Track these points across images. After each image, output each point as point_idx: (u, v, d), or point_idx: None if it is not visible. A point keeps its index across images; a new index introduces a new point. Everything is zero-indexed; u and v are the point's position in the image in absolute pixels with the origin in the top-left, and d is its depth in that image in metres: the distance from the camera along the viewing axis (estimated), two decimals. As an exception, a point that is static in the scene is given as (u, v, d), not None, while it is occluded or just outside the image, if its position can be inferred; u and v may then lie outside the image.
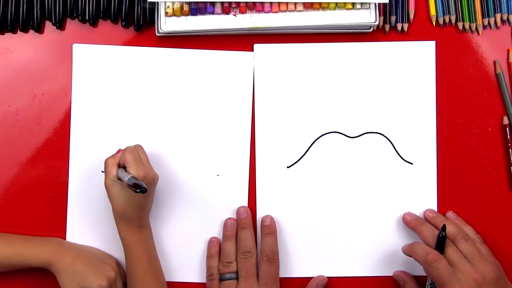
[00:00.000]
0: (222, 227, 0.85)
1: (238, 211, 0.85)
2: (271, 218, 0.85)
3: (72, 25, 0.86)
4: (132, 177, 0.74)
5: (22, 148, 0.86)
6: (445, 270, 0.76)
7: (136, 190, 0.73)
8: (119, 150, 0.81)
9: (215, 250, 0.84)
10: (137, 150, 0.80)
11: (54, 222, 0.85)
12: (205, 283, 0.85)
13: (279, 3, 0.83)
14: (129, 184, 0.73)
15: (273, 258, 0.82)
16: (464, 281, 0.75)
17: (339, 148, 0.86)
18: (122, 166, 0.79)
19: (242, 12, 0.84)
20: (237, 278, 0.82)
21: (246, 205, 0.86)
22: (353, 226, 0.86)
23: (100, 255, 0.84)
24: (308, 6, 0.84)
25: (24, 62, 0.86)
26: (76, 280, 0.80)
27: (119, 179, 0.78)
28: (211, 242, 0.85)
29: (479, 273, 0.76)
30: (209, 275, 0.83)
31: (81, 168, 0.85)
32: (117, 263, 0.85)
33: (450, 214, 0.85)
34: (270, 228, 0.84)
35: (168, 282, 0.84)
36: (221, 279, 0.82)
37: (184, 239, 0.85)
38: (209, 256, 0.84)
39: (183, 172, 0.86)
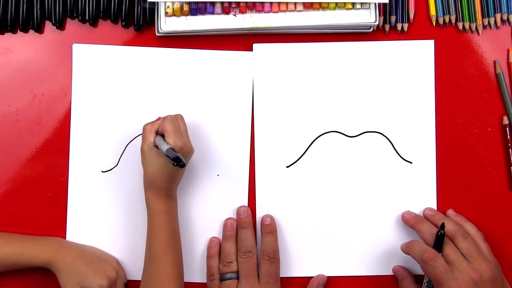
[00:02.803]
0: (222, 227, 0.85)
1: (238, 211, 0.85)
2: (271, 217, 0.85)
3: (72, 25, 0.87)
4: (170, 148, 0.74)
5: (22, 148, 0.86)
6: (441, 269, 0.76)
7: (174, 163, 0.72)
8: (158, 118, 0.81)
9: (215, 250, 0.84)
10: (177, 120, 0.80)
11: (54, 222, 0.85)
12: (205, 283, 0.85)
13: (279, 3, 0.83)
14: (168, 156, 0.73)
15: (274, 257, 0.82)
16: (461, 280, 0.75)
17: (338, 148, 0.86)
18: (160, 134, 0.79)
19: (242, 12, 0.84)
20: (237, 278, 0.82)
21: (246, 205, 0.86)
22: (353, 225, 0.86)
23: (100, 255, 0.84)
24: (308, 6, 0.84)
25: (24, 62, 0.86)
26: (77, 279, 0.80)
27: (156, 146, 0.78)
28: (211, 242, 0.85)
29: (476, 271, 0.76)
30: (210, 275, 0.84)
31: (81, 168, 0.86)
32: (118, 263, 0.85)
33: (450, 212, 0.85)
34: (270, 227, 0.84)
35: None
36: (222, 279, 0.82)
37: (184, 239, 0.85)
38: (209, 256, 0.85)
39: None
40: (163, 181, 0.79)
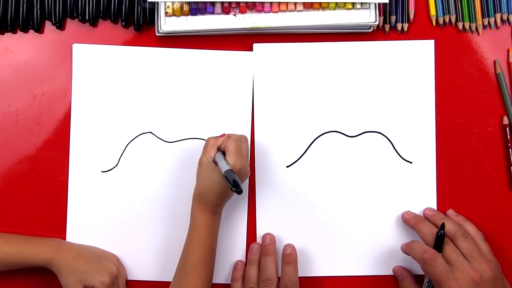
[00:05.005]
0: (248, 251, 0.86)
1: (264, 238, 0.85)
2: (292, 248, 0.85)
3: (72, 25, 0.87)
4: (230, 170, 0.74)
5: (22, 148, 0.86)
6: (442, 269, 0.76)
7: (232, 188, 0.72)
8: (223, 134, 0.81)
9: (240, 274, 0.85)
10: (241, 141, 0.80)
11: (54, 222, 0.85)
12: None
13: (279, 3, 0.83)
14: (226, 178, 0.73)
15: None
16: (461, 280, 0.75)
17: (338, 148, 0.86)
18: (222, 151, 0.79)
19: (242, 12, 0.84)
20: None
21: (246, 196, 0.86)
22: (353, 225, 0.86)
23: (100, 253, 0.85)
24: (308, 6, 0.84)
25: (24, 62, 0.86)
26: (78, 277, 0.80)
27: (215, 162, 0.78)
28: (236, 265, 0.85)
29: (477, 272, 0.76)
30: None
31: (81, 168, 0.86)
32: (118, 260, 0.85)
33: (450, 211, 0.85)
34: (290, 257, 0.84)
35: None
36: None
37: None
38: (233, 280, 0.85)
39: (184, 172, 0.86)
40: (212, 197, 0.78)
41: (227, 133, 0.81)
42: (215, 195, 0.78)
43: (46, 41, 0.86)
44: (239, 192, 0.72)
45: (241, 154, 0.78)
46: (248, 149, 0.81)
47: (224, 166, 0.75)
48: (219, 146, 0.79)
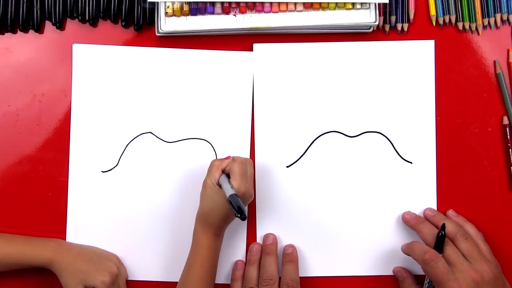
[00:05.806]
0: (248, 251, 0.86)
1: (266, 238, 0.85)
2: (294, 247, 0.85)
3: (72, 25, 0.87)
4: (234, 194, 0.73)
5: (22, 148, 0.86)
6: (442, 270, 0.76)
7: (236, 214, 0.71)
8: (228, 157, 0.81)
9: (240, 274, 0.85)
10: (246, 164, 0.79)
11: (54, 222, 0.85)
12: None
13: (279, 3, 0.83)
14: (230, 203, 0.72)
15: (292, 286, 0.82)
16: (462, 280, 0.75)
17: (338, 148, 0.86)
18: (226, 173, 0.79)
19: (242, 12, 0.84)
20: None
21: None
22: (353, 225, 0.86)
23: (101, 253, 0.85)
24: (308, 6, 0.84)
25: (24, 62, 0.86)
26: (79, 277, 0.80)
27: (219, 184, 0.77)
28: (236, 264, 0.85)
29: (477, 272, 0.76)
30: None
31: (81, 168, 0.85)
32: (118, 259, 0.85)
33: (450, 212, 0.85)
34: (291, 256, 0.84)
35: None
36: None
37: (186, 242, 0.85)
38: (233, 279, 0.85)
39: (184, 172, 0.86)
40: (215, 219, 0.78)
41: (232, 155, 0.81)
42: (219, 218, 0.78)
43: (46, 41, 0.86)
44: (243, 218, 0.71)
45: (246, 177, 0.78)
46: (253, 171, 0.81)
47: (228, 190, 0.75)
48: (224, 169, 0.79)
